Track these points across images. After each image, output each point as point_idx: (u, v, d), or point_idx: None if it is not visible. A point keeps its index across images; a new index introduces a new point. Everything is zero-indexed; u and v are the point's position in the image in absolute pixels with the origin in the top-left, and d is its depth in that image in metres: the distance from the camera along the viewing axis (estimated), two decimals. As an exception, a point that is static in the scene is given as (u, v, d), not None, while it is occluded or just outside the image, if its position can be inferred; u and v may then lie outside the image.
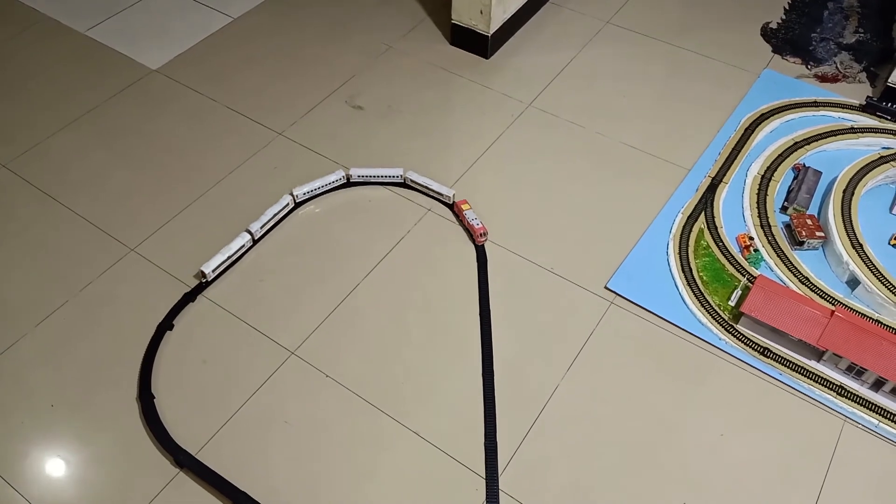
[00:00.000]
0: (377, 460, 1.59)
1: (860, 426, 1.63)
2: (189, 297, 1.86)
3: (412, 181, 2.12)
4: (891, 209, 2.06)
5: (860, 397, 1.66)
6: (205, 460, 1.57)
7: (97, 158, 2.23)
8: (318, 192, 2.11)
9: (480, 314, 1.83)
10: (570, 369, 1.74)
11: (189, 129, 2.33)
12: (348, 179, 2.15)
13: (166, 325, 1.80)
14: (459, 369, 1.74)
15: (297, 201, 2.08)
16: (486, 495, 1.53)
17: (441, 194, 2.09)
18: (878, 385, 1.66)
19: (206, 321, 1.83)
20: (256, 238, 1.99)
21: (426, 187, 2.10)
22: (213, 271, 1.89)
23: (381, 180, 2.15)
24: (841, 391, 1.67)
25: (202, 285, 1.89)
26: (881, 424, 1.62)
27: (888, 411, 1.64)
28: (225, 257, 1.92)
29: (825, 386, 1.68)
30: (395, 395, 1.69)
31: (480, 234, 1.96)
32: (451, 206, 2.07)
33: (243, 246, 1.96)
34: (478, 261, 1.95)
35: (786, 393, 1.70)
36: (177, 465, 1.57)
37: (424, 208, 2.10)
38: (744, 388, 1.71)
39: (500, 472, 1.56)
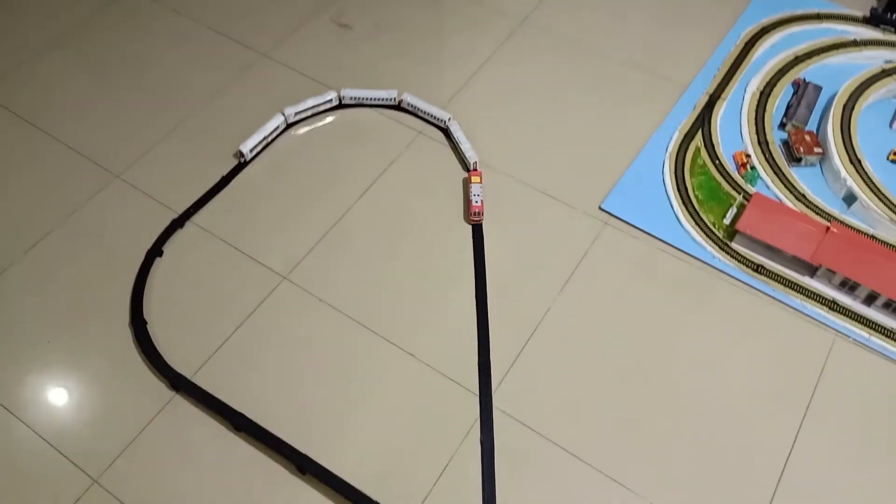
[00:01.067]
0: (371, 381, 1.60)
1: (851, 340, 1.65)
2: (177, 223, 1.84)
3: (408, 104, 2.06)
4: (891, 124, 2.02)
5: (852, 312, 1.67)
6: (200, 383, 1.58)
7: (78, 83, 2.16)
8: (310, 111, 2.05)
9: (473, 237, 1.81)
10: (563, 290, 1.74)
11: (172, 50, 2.24)
12: (340, 101, 2.09)
13: (155, 251, 1.78)
14: (452, 291, 1.74)
15: (288, 122, 2.03)
16: (480, 412, 1.55)
17: (435, 117, 2.04)
18: (870, 300, 1.67)
19: (195, 247, 1.81)
20: (290, 122, 2.03)
21: (421, 110, 2.05)
22: (251, 151, 1.94)
23: (373, 102, 2.09)
24: (833, 306, 1.68)
25: (189, 211, 1.86)
26: (871, 338, 1.63)
27: (879, 325, 1.65)
28: (261, 137, 1.96)
29: (818, 301, 1.69)
30: (389, 317, 1.69)
31: (474, 213, 1.82)
32: (445, 131, 2.02)
33: (278, 127, 2.00)
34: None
35: (778, 309, 1.70)
36: (172, 388, 1.58)
37: (415, 131, 2.05)
38: (737, 305, 1.71)
39: (493, 389, 1.58)
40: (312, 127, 2.06)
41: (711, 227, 1.82)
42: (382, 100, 2.08)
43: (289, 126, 2.04)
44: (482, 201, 1.82)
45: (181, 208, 1.87)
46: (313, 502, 1.45)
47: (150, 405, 1.57)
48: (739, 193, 1.87)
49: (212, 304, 1.71)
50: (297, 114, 2.03)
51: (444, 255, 1.80)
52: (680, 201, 1.87)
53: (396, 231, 1.84)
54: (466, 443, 1.51)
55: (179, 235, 1.83)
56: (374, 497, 1.42)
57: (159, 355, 1.62)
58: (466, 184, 1.90)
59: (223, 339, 1.66)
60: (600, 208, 1.88)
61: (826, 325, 1.67)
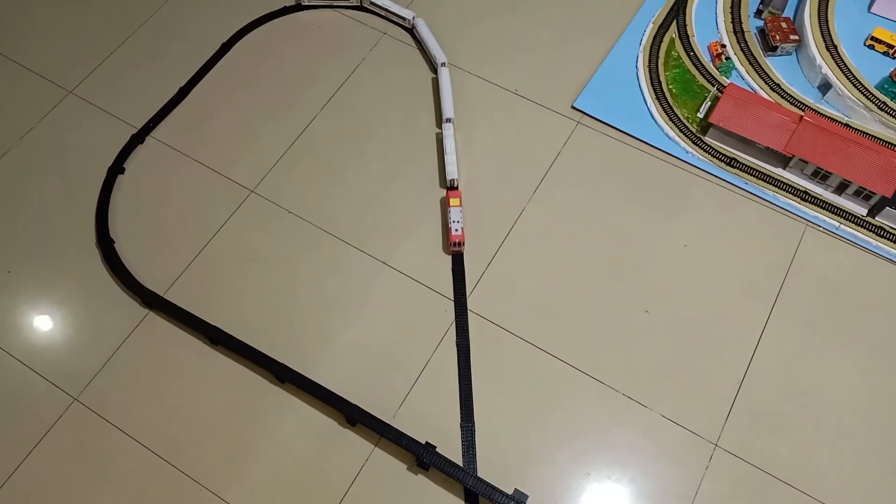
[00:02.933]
0: (346, 291, 1.60)
1: (821, 230, 1.65)
2: (137, 139, 1.78)
3: (372, 3, 1.96)
4: (869, 7, 1.96)
5: (823, 201, 1.67)
6: (173, 300, 1.57)
7: (17, -6, 2.03)
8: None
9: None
10: (536, 191, 1.72)
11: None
12: (299, 2, 1.99)
13: (116, 168, 1.73)
14: (422, 198, 1.71)
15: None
16: (455, 316, 1.56)
17: (400, 17, 1.95)
18: (841, 188, 1.67)
19: (157, 163, 1.76)
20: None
21: (386, 10, 1.95)
22: None
23: (335, 3, 1.99)
24: (805, 196, 1.68)
25: (148, 126, 1.79)
26: (842, 226, 1.64)
27: (850, 213, 1.65)
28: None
29: (790, 192, 1.68)
30: (360, 227, 1.67)
31: (453, 244, 1.61)
32: (411, 31, 1.93)
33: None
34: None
35: (750, 202, 1.70)
36: (145, 305, 1.57)
37: (379, 32, 1.97)
38: (709, 200, 1.70)
39: (468, 293, 1.58)
40: (272, 32, 1.97)
41: (685, 121, 1.79)
42: (345, -1, 1.99)
43: (248, 30, 1.95)
44: (462, 229, 1.61)
45: (140, 123, 1.81)
46: (294, 409, 1.47)
47: (125, 323, 1.56)
48: (714, 86, 1.83)
49: (179, 221, 1.68)
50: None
51: (414, 160, 1.76)
52: (654, 96, 1.83)
53: (365, 138, 1.80)
54: (443, 346, 1.53)
55: (140, 151, 1.78)
56: (352, 400, 1.45)
57: (130, 274, 1.60)
58: (443, 206, 1.68)
59: (193, 254, 1.64)
60: (573, 107, 1.84)
61: (797, 215, 1.67)
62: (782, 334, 1.54)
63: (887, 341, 1.53)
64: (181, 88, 1.86)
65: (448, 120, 1.74)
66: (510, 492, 1.34)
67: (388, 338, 1.55)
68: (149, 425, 1.46)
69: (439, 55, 1.85)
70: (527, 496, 1.34)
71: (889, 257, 1.61)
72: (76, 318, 1.57)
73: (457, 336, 1.54)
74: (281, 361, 1.49)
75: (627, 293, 1.59)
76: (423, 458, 1.38)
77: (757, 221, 1.67)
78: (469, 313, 1.57)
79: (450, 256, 1.63)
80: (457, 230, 1.60)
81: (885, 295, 1.58)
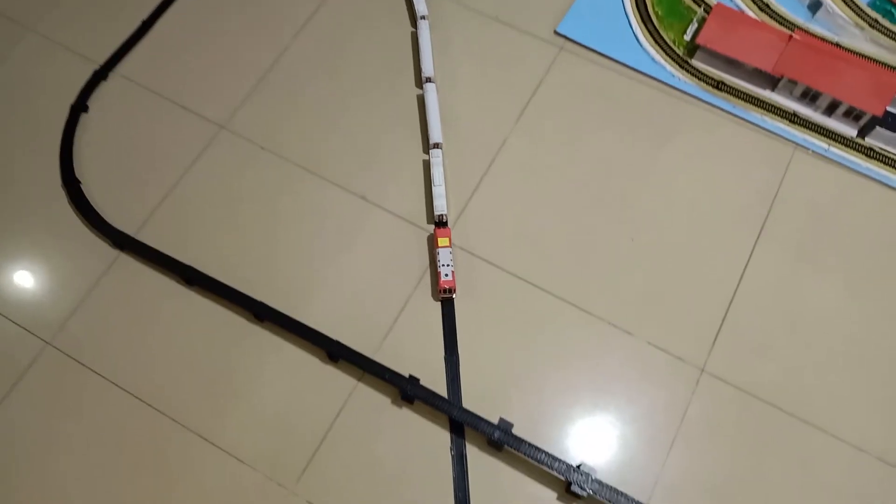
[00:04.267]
0: (323, 227, 1.55)
1: (810, 153, 1.61)
2: (100, 75, 1.70)
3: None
4: (862, -79, 1.88)
5: (812, 123, 1.63)
6: (144, 240, 1.52)
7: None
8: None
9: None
10: (518, 120, 1.67)
11: None
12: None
13: (80, 106, 1.66)
14: (400, 130, 1.65)
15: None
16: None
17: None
18: (830, 109, 1.62)
19: (122, 100, 1.69)
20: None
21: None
22: None
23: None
24: (794, 119, 1.63)
25: (111, 61, 1.71)
26: (831, 148, 1.60)
27: (839, 134, 1.61)
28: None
29: (778, 115, 1.64)
30: (338, 163, 1.62)
31: (443, 290, 1.45)
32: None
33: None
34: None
35: (738, 126, 1.65)
36: (116, 247, 1.52)
37: (352, -43, 1.87)
38: (696, 125, 1.65)
39: (451, 225, 1.54)
40: (238, -40, 1.87)
41: (671, 45, 1.73)
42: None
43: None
44: (453, 273, 1.46)
45: (102, 59, 1.72)
46: (274, 347, 1.44)
47: (96, 266, 1.51)
48: (700, 6, 1.76)
49: (148, 160, 1.62)
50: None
51: (390, 95, 1.70)
52: (639, 19, 1.76)
53: (340, 68, 1.72)
54: (425, 281, 1.50)
55: (104, 88, 1.70)
56: (333, 337, 1.42)
57: (98, 215, 1.54)
58: (431, 246, 1.52)
59: (163, 194, 1.58)
60: (555, 32, 1.77)
61: (786, 138, 1.63)
62: (770, 258, 1.51)
63: (875, 264, 1.51)
64: (144, 22, 1.77)
65: (436, 146, 1.59)
66: (495, 421, 1.32)
67: (368, 274, 1.51)
68: (126, 368, 1.42)
69: (420, 8, 1.74)
70: (511, 424, 1.32)
71: (878, 178, 1.58)
72: (45, 261, 1.52)
73: (439, 270, 1.50)
74: (259, 300, 1.45)
75: (612, 222, 1.55)
76: (406, 391, 1.36)
77: (745, 146, 1.63)
78: (452, 246, 1.53)
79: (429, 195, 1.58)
80: (447, 275, 1.44)
81: (873, 217, 1.55)
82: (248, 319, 1.47)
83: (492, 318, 1.46)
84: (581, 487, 1.26)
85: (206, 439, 1.37)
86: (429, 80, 1.65)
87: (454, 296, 1.46)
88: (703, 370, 1.41)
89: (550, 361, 1.42)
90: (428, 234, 1.54)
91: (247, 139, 1.64)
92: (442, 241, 1.47)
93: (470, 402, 1.38)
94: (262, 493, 1.33)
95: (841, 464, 1.33)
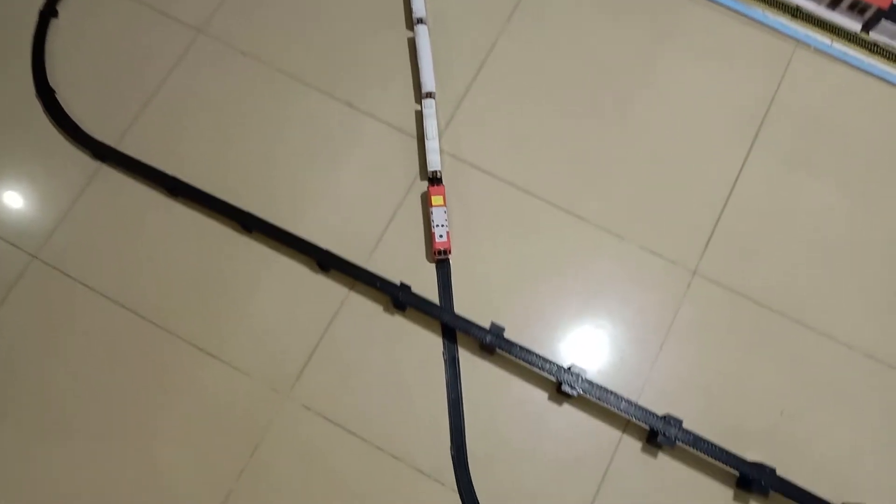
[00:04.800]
0: (307, 134, 1.51)
1: (812, 49, 1.55)
2: (68, -22, 1.61)
3: None
4: None
5: (815, 17, 1.56)
6: (126, 151, 1.48)
7: None
8: None
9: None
10: (509, 20, 1.59)
11: None
12: None
13: (49, 11, 1.58)
14: (384, 32, 1.58)
15: None
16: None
17: None
18: (835, 3, 1.55)
19: (94, 4, 1.61)
20: None
21: None
22: None
23: None
24: (796, 13, 1.56)
25: (80, -38, 1.62)
26: (834, 44, 1.55)
27: (842, 29, 1.55)
28: None
29: (780, 9, 1.57)
30: (322, 68, 1.55)
31: (438, 252, 1.39)
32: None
33: None
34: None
35: (739, 23, 1.58)
36: (97, 158, 1.48)
37: None
38: (694, 23, 1.59)
39: (439, 135, 1.50)
40: None
41: (670, -64, 1.63)
42: None
43: None
44: (448, 233, 1.40)
45: (69, -40, 1.63)
46: (262, 258, 1.43)
47: (77, 178, 1.48)
48: None
49: (124, 67, 1.56)
50: None
51: (375, -8, 1.62)
52: None
53: (320, -32, 1.64)
54: (415, 189, 1.47)
55: (73, -8, 1.62)
56: (323, 246, 1.40)
57: (76, 125, 1.49)
58: (425, 204, 1.45)
59: (143, 103, 1.53)
60: (548, -75, 1.67)
61: (787, 35, 1.56)
62: (765, 161, 1.48)
63: (871, 164, 1.48)
64: (111, -81, 1.66)
65: (428, 95, 1.49)
66: (487, 326, 1.33)
67: (356, 182, 1.48)
68: (114, 280, 1.41)
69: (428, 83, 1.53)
70: (503, 328, 1.32)
71: (880, 75, 1.53)
72: (25, 175, 1.48)
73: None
74: (246, 210, 1.43)
75: (605, 125, 1.51)
76: (398, 298, 1.36)
77: (745, 44, 1.57)
78: (441, 153, 1.49)
79: (418, 100, 1.52)
80: (441, 236, 1.39)
81: (872, 116, 1.51)
82: (236, 230, 1.45)
83: (483, 224, 1.44)
84: (571, 387, 1.28)
85: (198, 347, 1.37)
86: (420, 20, 1.55)
87: (450, 256, 1.41)
88: (694, 273, 1.41)
89: (542, 266, 1.41)
90: (418, 156, 1.50)
91: (226, 43, 1.57)
92: (436, 200, 1.40)
93: (461, 307, 1.38)
94: (257, 399, 1.34)
95: (831, 361, 1.35)
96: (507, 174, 1.47)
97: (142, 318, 1.39)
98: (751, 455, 1.27)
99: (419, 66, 1.51)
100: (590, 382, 1.28)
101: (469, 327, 1.33)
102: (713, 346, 1.36)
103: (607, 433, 1.31)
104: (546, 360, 1.30)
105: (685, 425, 1.26)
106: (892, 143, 1.49)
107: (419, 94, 1.51)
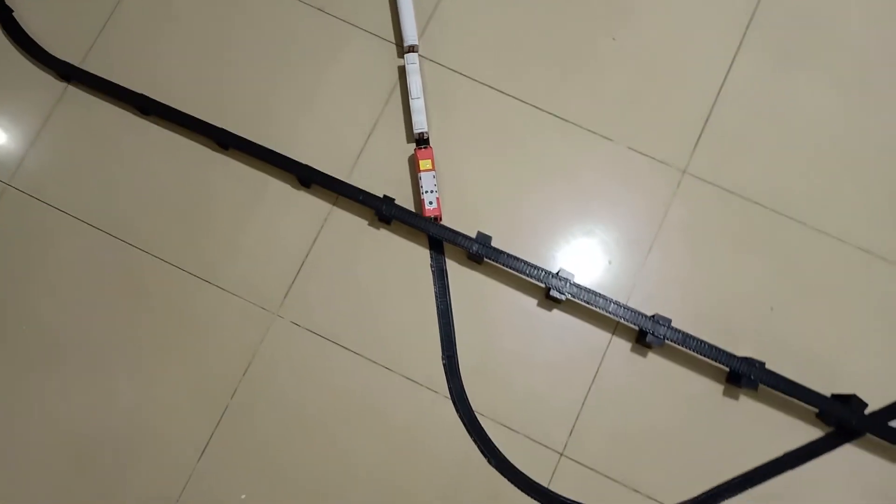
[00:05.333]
0: (279, 44, 1.44)
1: (808, -69, 1.47)
2: None
3: None
4: None
5: None
6: (91, 70, 1.42)
7: None
8: None
9: None
10: (487, -87, 1.50)
11: None
12: None
13: (-4, -77, 1.48)
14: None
15: None
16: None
17: None
18: None
19: (43, -88, 1.51)
20: None
21: None
22: None
23: None
24: None
25: None
26: (831, -76, 1.46)
27: None
28: None
29: None
30: (290, -30, 1.47)
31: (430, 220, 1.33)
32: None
33: None
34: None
35: None
36: (62, 78, 1.43)
37: None
38: None
39: (419, 34, 1.43)
40: None
41: None
42: None
43: None
44: (438, 199, 1.32)
45: None
46: (241, 176, 1.39)
47: (44, 100, 1.43)
48: None
49: (82, -20, 1.47)
50: None
51: None
52: None
53: None
54: (395, 97, 1.42)
55: None
56: (301, 161, 1.36)
57: (37, 45, 1.43)
58: (413, 168, 1.37)
59: (104, 18, 1.46)
60: None
61: (782, -84, 1.47)
62: (756, 55, 1.42)
63: (865, 59, 1.42)
64: None
65: (411, 49, 1.39)
66: (473, 235, 1.31)
67: (333, 94, 1.42)
68: (92, 205, 1.38)
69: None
70: (490, 237, 1.30)
71: (880, -44, 1.45)
72: (-11, 100, 1.43)
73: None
74: (220, 126, 1.38)
75: (590, 19, 1.44)
76: (382, 211, 1.33)
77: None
78: (420, 59, 1.43)
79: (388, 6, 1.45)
80: (431, 203, 1.32)
81: (866, 8, 1.44)
82: (212, 148, 1.40)
83: (466, 132, 1.40)
84: (559, 292, 1.27)
85: (182, 269, 1.36)
86: (412, 48, 1.41)
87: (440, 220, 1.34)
88: (684, 172, 1.37)
89: (527, 172, 1.38)
90: (393, 45, 1.43)
91: (189, -48, 1.48)
92: (424, 164, 1.33)
93: (447, 218, 1.35)
94: (246, 317, 1.34)
95: (823, 256, 1.34)
96: (489, 78, 1.42)
97: (123, 242, 1.37)
98: (741, 352, 1.28)
99: (399, 15, 1.41)
100: (578, 286, 1.27)
101: (455, 237, 1.31)
102: (703, 245, 1.35)
103: (597, 336, 1.32)
104: (534, 267, 1.28)
105: (674, 324, 1.25)
106: (886, 37, 1.42)
107: (406, 103, 1.42)
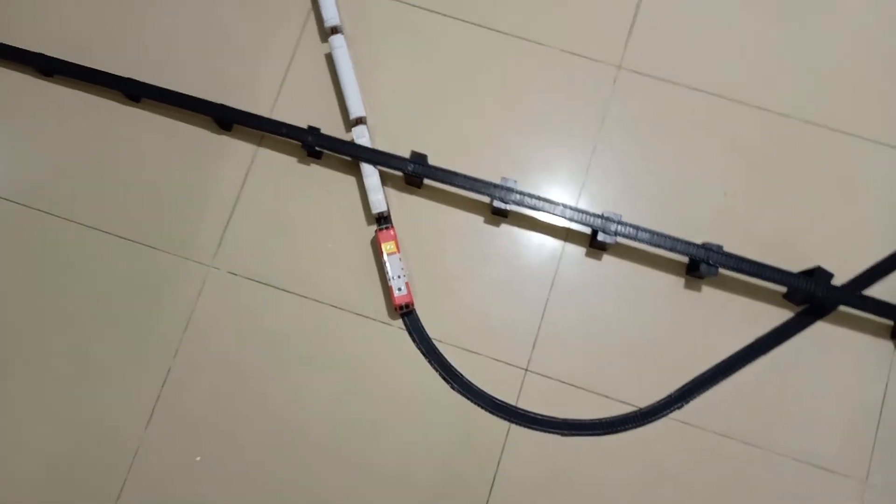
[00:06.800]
0: (185, -15, 1.37)
1: None
2: None
3: None
4: None
5: None
6: (-18, 34, 1.33)
7: None
8: None
9: None
10: None
11: None
12: None
13: None
14: None
15: None
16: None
17: None
18: None
19: None
20: None
21: None
22: None
23: None
24: None
25: None
26: None
27: None
28: None
29: None
30: None
31: (399, 308, 1.21)
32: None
33: None
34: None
35: None
36: (-49, 48, 1.33)
37: None
38: None
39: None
40: None
41: None
42: None
43: None
44: (408, 284, 1.20)
45: None
46: (156, 127, 1.31)
47: (-65, 73, 1.33)
48: None
49: (-38, -57, 1.38)
50: None
51: None
52: None
53: None
54: (310, 27, 1.34)
55: None
56: (222, 102, 1.28)
57: (-80, 16, 1.33)
58: (375, 252, 1.25)
59: (-10, -21, 1.36)
60: None
61: None
62: (682, -61, 1.37)
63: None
64: None
65: (358, 121, 1.27)
66: (407, 155, 1.24)
67: (243, 28, 1.35)
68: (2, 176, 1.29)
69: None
70: (425, 155, 1.24)
71: None
72: None
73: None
74: (127, 77, 1.30)
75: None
76: (308, 142, 1.25)
77: None
78: (333, -15, 1.36)
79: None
80: (400, 289, 1.20)
81: None
82: (122, 102, 1.32)
83: (388, 52, 1.33)
84: (504, 202, 1.21)
85: (105, 231, 1.27)
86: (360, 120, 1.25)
87: (414, 308, 1.23)
88: (619, 67, 1.32)
89: (458, 86, 1.32)
90: (302, -28, 1.36)
91: None
92: (388, 248, 1.21)
93: (379, 143, 1.29)
94: (179, 273, 1.26)
95: (769, 134, 1.29)
96: (408, -4, 1.35)
97: (38, 210, 1.28)
98: (697, 241, 1.22)
99: (342, 90, 1.29)
100: (522, 193, 1.21)
101: (388, 160, 1.24)
102: (647, 138, 1.29)
103: (549, 244, 1.26)
104: (474, 180, 1.22)
105: (625, 219, 1.20)
106: None
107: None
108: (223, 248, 1.27)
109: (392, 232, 1.22)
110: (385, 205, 1.24)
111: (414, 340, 1.23)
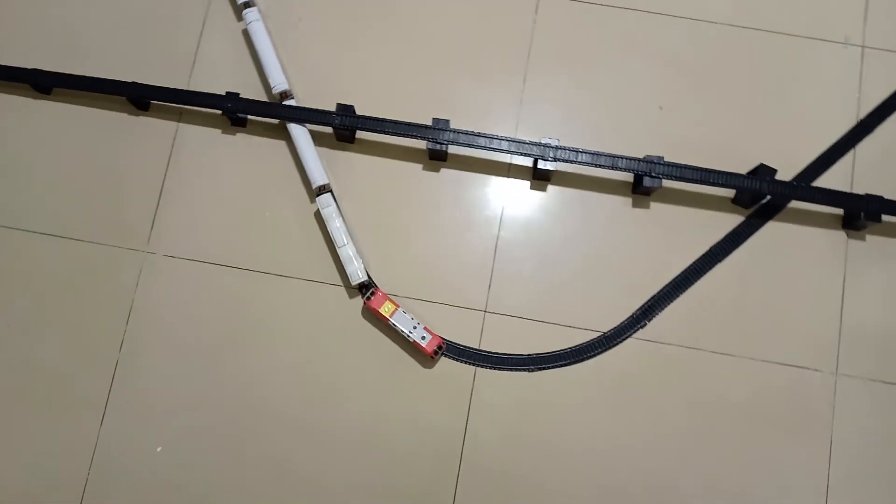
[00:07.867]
0: (79, -34, 1.30)
1: None
2: None
3: None
4: None
5: None
6: None
7: None
8: None
9: None
10: None
11: None
12: None
13: None
14: None
15: None
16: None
17: None
18: None
19: None
20: None
21: None
22: None
23: None
24: None
25: None
26: None
27: None
28: None
29: None
30: None
31: (433, 354, 1.13)
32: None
33: None
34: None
35: None
36: None
37: None
38: None
39: None
40: None
41: None
42: None
43: None
44: (427, 328, 1.13)
45: None
46: (70, 116, 1.25)
47: None
48: None
49: None
50: None
51: None
52: None
53: None
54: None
55: None
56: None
57: None
58: (378, 321, 1.17)
59: None
60: None
61: None
62: None
63: None
64: None
65: (322, 189, 1.18)
66: (333, 108, 1.20)
67: (148, 6, 1.29)
68: None
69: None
70: (352, 106, 1.20)
71: None
72: None
73: (229, -23, 1.29)
74: (32, 68, 1.23)
75: None
76: (229, 108, 1.21)
77: None
78: (236, -52, 1.30)
79: None
80: (424, 337, 1.13)
81: None
82: (31, 96, 1.26)
83: (302, 7, 1.28)
84: (437, 142, 1.17)
85: (27, 230, 1.21)
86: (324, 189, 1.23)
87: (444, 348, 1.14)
88: (539, -7, 1.29)
89: (375, 26, 1.28)
90: None
91: None
92: (386, 310, 1.13)
93: (303, 97, 1.24)
94: (113, 263, 1.21)
95: (694, 41, 1.27)
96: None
97: (-45, 219, 1.21)
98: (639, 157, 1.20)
99: (262, 64, 1.23)
100: (456, 131, 1.18)
101: (314, 115, 1.19)
102: (576, 61, 1.27)
103: (493, 182, 1.23)
104: (406, 125, 1.18)
105: (563, 144, 1.17)
106: None
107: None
108: (156, 232, 1.22)
109: (380, 293, 1.15)
110: (366, 273, 1.15)
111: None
